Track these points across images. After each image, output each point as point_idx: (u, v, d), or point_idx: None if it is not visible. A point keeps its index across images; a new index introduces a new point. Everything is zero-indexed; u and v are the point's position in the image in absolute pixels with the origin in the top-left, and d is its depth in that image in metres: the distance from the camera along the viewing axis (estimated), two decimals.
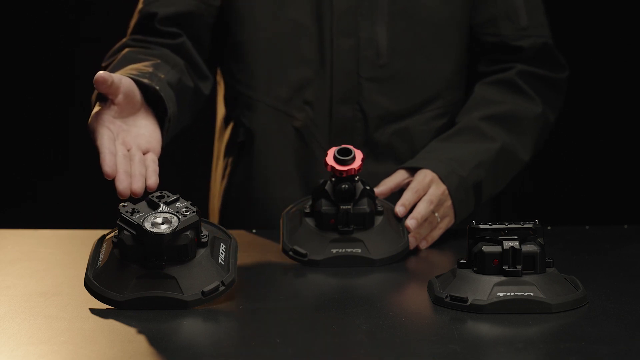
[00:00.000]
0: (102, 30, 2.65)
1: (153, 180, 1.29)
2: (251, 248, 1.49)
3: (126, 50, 1.59)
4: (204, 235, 1.18)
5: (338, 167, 1.37)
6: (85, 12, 2.66)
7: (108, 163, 1.26)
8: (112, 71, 1.46)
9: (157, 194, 1.17)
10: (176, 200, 1.17)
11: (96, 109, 1.36)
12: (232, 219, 1.74)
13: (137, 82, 1.39)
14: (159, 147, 1.38)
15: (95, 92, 1.40)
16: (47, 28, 2.66)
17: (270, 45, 1.67)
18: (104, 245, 1.21)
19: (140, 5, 1.68)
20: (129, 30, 1.68)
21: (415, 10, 1.67)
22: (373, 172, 1.62)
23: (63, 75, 2.69)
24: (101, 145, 1.29)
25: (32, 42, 2.66)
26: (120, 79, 1.34)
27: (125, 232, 1.14)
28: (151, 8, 1.65)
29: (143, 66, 1.48)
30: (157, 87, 1.41)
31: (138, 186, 1.27)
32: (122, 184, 1.26)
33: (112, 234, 1.21)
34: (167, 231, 1.13)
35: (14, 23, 2.65)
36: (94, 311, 1.14)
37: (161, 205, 1.16)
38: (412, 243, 1.46)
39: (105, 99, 1.36)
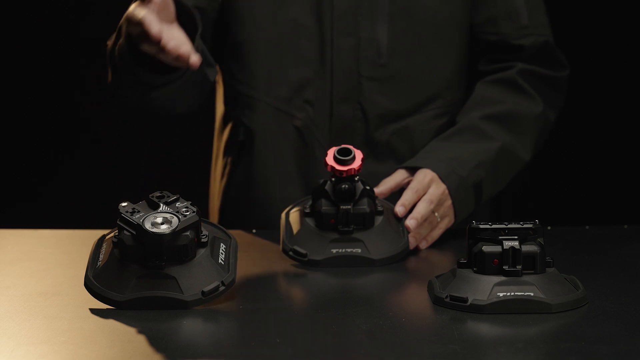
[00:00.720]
0: (102, 30, 2.65)
1: (196, 57, 1.36)
2: (251, 248, 1.49)
3: None
4: (204, 235, 1.17)
5: (338, 167, 1.37)
6: (86, 12, 2.66)
7: (155, 27, 1.33)
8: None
9: (157, 194, 1.17)
10: (176, 200, 1.17)
11: (136, 3, 1.39)
12: (232, 219, 1.74)
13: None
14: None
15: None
16: (47, 28, 2.66)
17: (271, 45, 1.67)
18: (104, 245, 1.21)
19: None
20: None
21: (415, 10, 1.67)
22: (373, 172, 1.62)
23: (63, 75, 2.69)
24: (148, 16, 1.34)
25: (32, 42, 2.66)
26: None
27: (125, 232, 1.14)
28: None
29: None
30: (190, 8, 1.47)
31: (189, 48, 1.35)
32: (184, 48, 1.34)
33: (112, 234, 1.20)
34: (167, 231, 1.13)
35: (14, 23, 2.65)
36: (94, 311, 1.14)
37: (161, 205, 1.15)
38: (412, 243, 1.46)
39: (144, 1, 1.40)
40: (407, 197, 1.49)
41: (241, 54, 1.69)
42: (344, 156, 1.37)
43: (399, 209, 1.46)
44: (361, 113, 1.67)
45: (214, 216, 1.79)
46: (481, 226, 1.17)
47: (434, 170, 1.54)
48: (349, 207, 1.38)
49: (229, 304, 1.18)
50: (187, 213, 1.15)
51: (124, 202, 1.16)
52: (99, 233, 1.26)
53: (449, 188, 1.53)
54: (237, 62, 1.70)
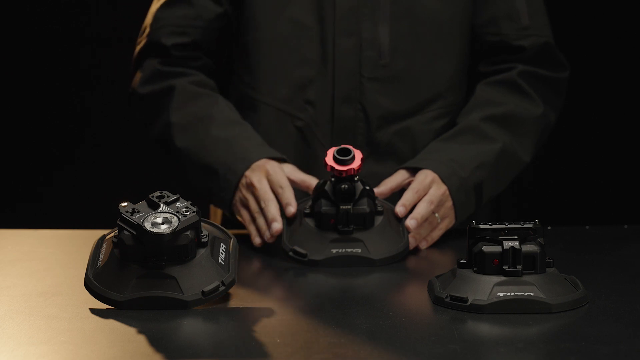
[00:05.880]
0: (103, 30, 2.65)
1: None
2: (251, 248, 1.49)
3: (178, 82, 1.64)
4: (204, 235, 1.18)
5: (337, 167, 1.37)
6: (87, 11, 2.65)
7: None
8: (189, 117, 1.63)
9: (157, 194, 1.17)
10: (176, 200, 1.17)
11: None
12: (233, 219, 1.74)
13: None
14: None
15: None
16: (49, 29, 2.66)
17: (273, 45, 1.67)
18: (104, 245, 1.21)
19: (147, 30, 1.68)
20: (139, 48, 1.68)
21: (417, 11, 1.66)
22: (374, 172, 1.62)
23: (63, 75, 2.69)
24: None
25: (33, 42, 2.66)
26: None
27: (125, 232, 1.14)
28: (160, 38, 1.66)
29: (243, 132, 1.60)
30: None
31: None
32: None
33: (112, 234, 1.21)
34: (167, 231, 1.13)
35: (15, 23, 2.65)
36: (94, 311, 1.14)
37: (161, 205, 1.15)
38: (412, 243, 1.46)
39: None
40: (407, 198, 1.49)
41: (245, 55, 1.69)
42: (343, 156, 1.37)
43: (400, 209, 1.46)
44: (362, 113, 1.67)
45: (215, 216, 1.79)
46: (481, 226, 1.17)
47: (435, 171, 1.53)
48: (349, 207, 1.38)
49: (229, 304, 1.18)
50: (187, 213, 1.15)
51: (124, 202, 1.16)
52: (99, 233, 1.26)
53: (449, 189, 1.53)
54: (242, 63, 1.70)
